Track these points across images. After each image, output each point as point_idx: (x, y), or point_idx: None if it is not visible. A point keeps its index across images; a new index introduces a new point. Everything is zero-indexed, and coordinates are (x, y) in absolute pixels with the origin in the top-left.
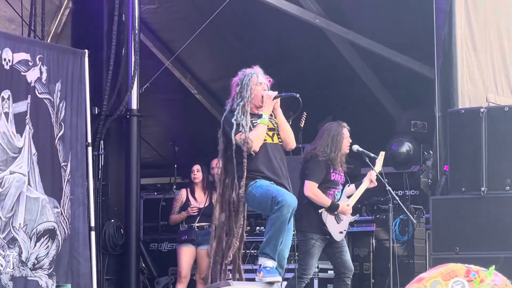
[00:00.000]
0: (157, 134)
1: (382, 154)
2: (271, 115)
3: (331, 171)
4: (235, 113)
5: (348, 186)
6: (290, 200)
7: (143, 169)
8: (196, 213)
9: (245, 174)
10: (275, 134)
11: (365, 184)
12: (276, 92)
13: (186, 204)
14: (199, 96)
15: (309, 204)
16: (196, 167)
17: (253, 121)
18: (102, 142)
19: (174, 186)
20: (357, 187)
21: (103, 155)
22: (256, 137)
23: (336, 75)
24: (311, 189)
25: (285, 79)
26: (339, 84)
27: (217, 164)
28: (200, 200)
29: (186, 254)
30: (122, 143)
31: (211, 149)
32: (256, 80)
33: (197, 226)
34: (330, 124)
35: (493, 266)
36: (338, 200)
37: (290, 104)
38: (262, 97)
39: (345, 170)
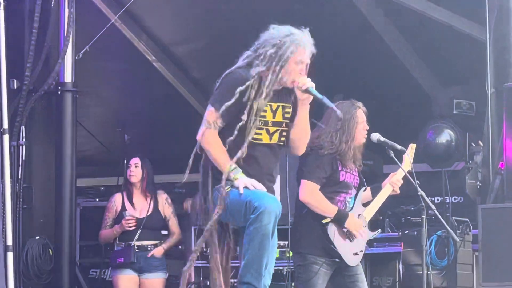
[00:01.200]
0: (100, 118)
1: (412, 147)
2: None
3: (340, 168)
4: (249, 81)
5: (364, 190)
6: (271, 204)
7: (81, 166)
8: (133, 227)
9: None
10: (279, 131)
11: (387, 190)
12: (314, 85)
13: (122, 213)
14: (158, 64)
15: (310, 214)
16: (134, 161)
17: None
18: (23, 128)
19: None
20: (374, 193)
21: (24, 147)
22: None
23: (349, 36)
24: (310, 192)
25: None
26: (354, 50)
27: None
28: (140, 207)
29: (126, 284)
30: (51, 129)
31: (174, 138)
32: (299, 57)
33: (137, 245)
34: (341, 104)
35: None
36: (351, 210)
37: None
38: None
39: (361, 168)
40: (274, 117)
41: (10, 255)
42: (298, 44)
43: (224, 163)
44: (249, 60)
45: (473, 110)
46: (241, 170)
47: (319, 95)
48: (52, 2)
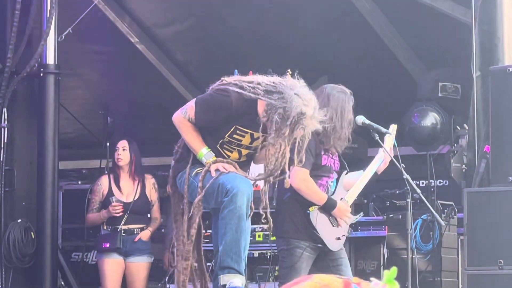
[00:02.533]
0: (82, 100)
1: (393, 127)
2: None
3: (322, 153)
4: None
5: (346, 173)
6: (243, 185)
7: (63, 148)
8: (120, 214)
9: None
10: (250, 153)
11: (374, 164)
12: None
13: (108, 197)
14: (142, 46)
15: (292, 199)
16: (122, 144)
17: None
18: (5, 110)
19: (106, 173)
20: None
21: (6, 129)
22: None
23: (334, 19)
24: (302, 178)
25: (267, 23)
26: (338, 31)
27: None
28: (127, 191)
29: (111, 268)
30: (33, 112)
31: (157, 120)
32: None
33: (123, 229)
34: (334, 89)
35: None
36: (333, 193)
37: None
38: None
39: (340, 151)
40: (251, 143)
41: None
42: (304, 128)
43: (197, 148)
44: (253, 96)
45: (458, 93)
46: (213, 154)
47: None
48: None
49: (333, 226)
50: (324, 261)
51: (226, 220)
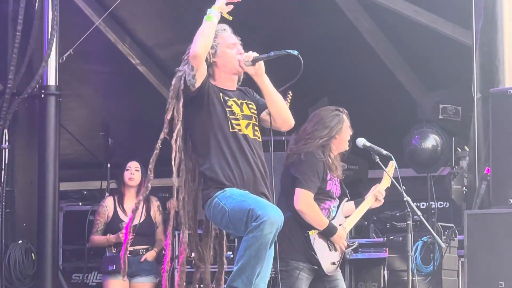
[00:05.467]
0: (83, 121)
1: (392, 164)
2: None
3: (328, 178)
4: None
5: (347, 201)
6: (275, 215)
7: (64, 169)
8: (130, 240)
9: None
10: (252, 125)
11: (369, 201)
12: (256, 54)
13: (114, 219)
14: (142, 67)
15: (292, 219)
16: (134, 165)
17: (226, 98)
18: (6, 131)
19: (107, 194)
20: (357, 205)
21: (7, 150)
22: (198, 37)
23: (335, 40)
24: (306, 201)
25: (263, 43)
26: (339, 54)
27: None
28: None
29: None
30: (34, 132)
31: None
32: (225, 40)
33: (129, 250)
34: (325, 110)
35: None
36: (333, 218)
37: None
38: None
39: (342, 177)
40: (240, 111)
41: None
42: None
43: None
44: None
45: (459, 115)
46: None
47: (265, 55)
48: (36, 5)
49: (330, 250)
50: (321, 282)
51: (247, 243)
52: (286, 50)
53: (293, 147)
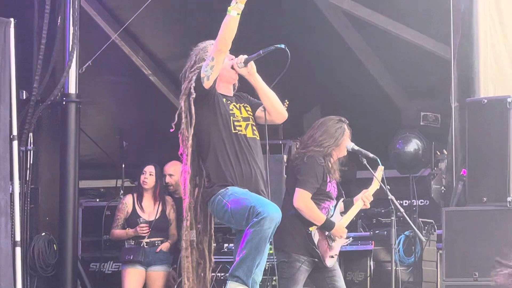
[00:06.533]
0: (100, 125)
1: (380, 169)
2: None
3: (328, 180)
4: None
5: (343, 201)
6: (274, 212)
7: (83, 169)
8: (146, 234)
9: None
10: (250, 125)
11: (358, 205)
12: (245, 56)
13: (133, 216)
14: (154, 78)
15: (295, 217)
16: (149, 169)
17: (227, 102)
18: (31, 135)
19: (121, 191)
20: (346, 206)
21: (32, 151)
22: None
23: (326, 53)
24: (304, 200)
25: (266, 59)
26: (330, 66)
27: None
28: (148, 210)
29: (133, 277)
30: (56, 136)
31: (168, 145)
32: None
33: (146, 242)
34: (330, 121)
35: None
36: (331, 216)
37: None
38: (232, 68)
39: (339, 179)
40: (239, 114)
41: (18, 250)
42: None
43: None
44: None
45: (438, 121)
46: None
47: (255, 54)
48: (58, 21)
49: (329, 245)
50: (319, 273)
51: (249, 237)
52: (274, 46)
53: (301, 152)
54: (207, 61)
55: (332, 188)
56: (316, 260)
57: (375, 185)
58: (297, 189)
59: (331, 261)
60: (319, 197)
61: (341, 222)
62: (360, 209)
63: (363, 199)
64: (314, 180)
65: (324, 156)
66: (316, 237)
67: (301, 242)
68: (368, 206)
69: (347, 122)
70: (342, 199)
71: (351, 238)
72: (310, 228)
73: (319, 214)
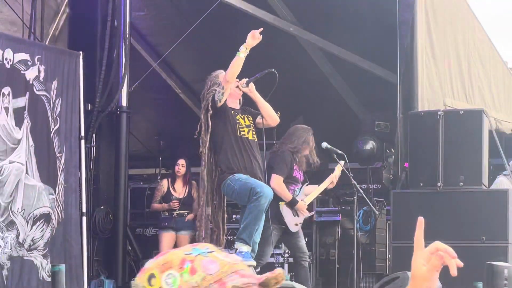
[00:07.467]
0: (144, 129)
1: (340, 164)
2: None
3: (294, 168)
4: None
5: (307, 185)
6: (267, 191)
7: (131, 161)
8: (177, 207)
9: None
10: (251, 131)
11: (326, 183)
12: (246, 79)
13: (167, 194)
14: (183, 95)
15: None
16: (182, 162)
17: (235, 113)
18: (94, 135)
19: (159, 177)
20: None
21: (94, 148)
22: (231, 67)
23: (308, 78)
24: (277, 182)
25: (262, 80)
26: (310, 87)
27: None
28: (179, 191)
29: (167, 238)
30: (112, 137)
31: (192, 143)
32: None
33: (177, 214)
34: (300, 129)
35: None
36: (297, 195)
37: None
38: (237, 87)
39: (305, 169)
40: (242, 122)
41: (84, 218)
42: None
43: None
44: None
45: (388, 128)
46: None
47: (254, 77)
48: (114, 53)
49: (294, 216)
50: (287, 235)
51: (250, 210)
52: (267, 70)
53: (277, 148)
54: (219, 88)
55: (297, 174)
56: (284, 226)
57: (337, 171)
58: (272, 174)
59: (295, 228)
60: (288, 180)
61: (307, 198)
62: (327, 188)
63: (331, 178)
64: (284, 167)
65: (292, 151)
66: (284, 210)
67: (273, 214)
68: (334, 184)
69: (312, 130)
70: (306, 183)
71: (314, 212)
72: (280, 203)
73: (287, 193)
